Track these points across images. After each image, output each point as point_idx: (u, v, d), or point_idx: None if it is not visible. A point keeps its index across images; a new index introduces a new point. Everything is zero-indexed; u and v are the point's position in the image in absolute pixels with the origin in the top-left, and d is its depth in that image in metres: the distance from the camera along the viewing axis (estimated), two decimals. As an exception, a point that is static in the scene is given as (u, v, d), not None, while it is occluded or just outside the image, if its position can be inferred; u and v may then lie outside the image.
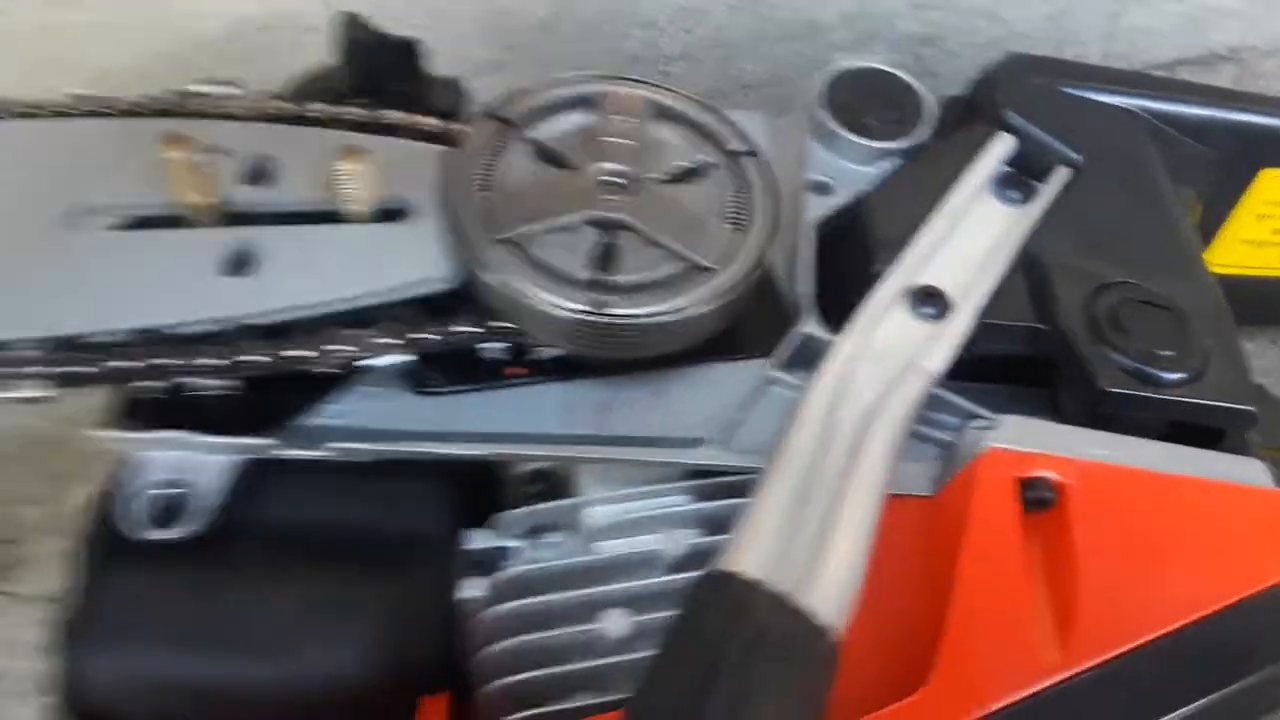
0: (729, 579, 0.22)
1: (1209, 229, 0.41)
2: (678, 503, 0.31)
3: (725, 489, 0.31)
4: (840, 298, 0.32)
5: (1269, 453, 0.34)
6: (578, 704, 0.28)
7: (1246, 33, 0.53)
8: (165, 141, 0.29)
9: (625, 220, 0.30)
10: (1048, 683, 0.26)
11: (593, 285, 0.29)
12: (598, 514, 0.31)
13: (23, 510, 0.52)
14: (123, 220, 0.31)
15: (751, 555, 0.23)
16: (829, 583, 0.23)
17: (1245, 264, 0.43)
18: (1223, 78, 0.54)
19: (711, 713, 0.20)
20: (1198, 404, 0.30)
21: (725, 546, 0.24)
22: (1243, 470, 0.30)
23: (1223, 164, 0.39)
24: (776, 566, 0.23)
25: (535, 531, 0.32)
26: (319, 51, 0.37)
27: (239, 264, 0.30)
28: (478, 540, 0.31)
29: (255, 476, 0.30)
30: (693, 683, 0.21)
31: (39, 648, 0.47)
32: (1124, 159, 0.36)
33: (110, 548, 0.29)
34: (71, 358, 0.29)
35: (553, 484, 0.33)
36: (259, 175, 0.32)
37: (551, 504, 0.31)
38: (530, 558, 0.31)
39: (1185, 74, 0.54)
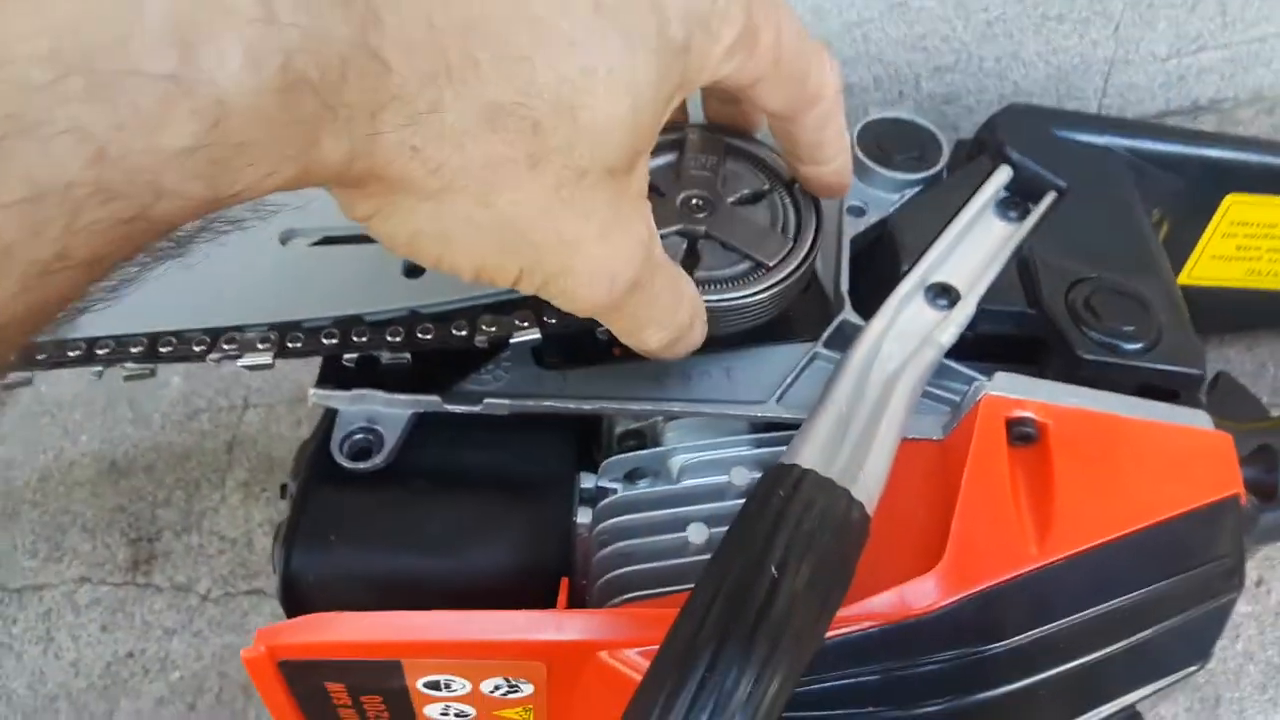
0: (789, 468, 0.31)
1: (1179, 245, 0.49)
2: (742, 447, 0.39)
3: (779, 438, 0.39)
4: (871, 294, 0.41)
5: (1236, 426, 0.42)
6: (666, 591, 0.36)
7: (1223, 86, 0.61)
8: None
9: (705, 231, 0.39)
10: (1028, 569, 0.33)
11: None
12: (680, 459, 0.40)
13: (159, 511, 0.60)
14: (323, 238, 0.42)
15: (805, 454, 0.32)
16: (862, 476, 0.32)
17: (1218, 277, 0.51)
18: (1205, 125, 0.63)
19: (774, 556, 0.29)
20: (1155, 368, 0.38)
21: (785, 453, 0.33)
22: (1189, 417, 0.38)
23: (1192, 191, 0.48)
24: (824, 463, 0.32)
25: (631, 476, 0.41)
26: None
27: (414, 269, 0.40)
28: (588, 481, 0.40)
29: (426, 425, 0.39)
30: (760, 536, 0.29)
31: (169, 631, 0.55)
32: (1101, 186, 0.44)
33: (320, 474, 0.38)
34: (288, 337, 0.38)
35: (645, 440, 0.42)
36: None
37: (645, 452, 0.40)
38: (630, 494, 0.40)
39: (1172, 122, 0.62)
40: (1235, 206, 0.48)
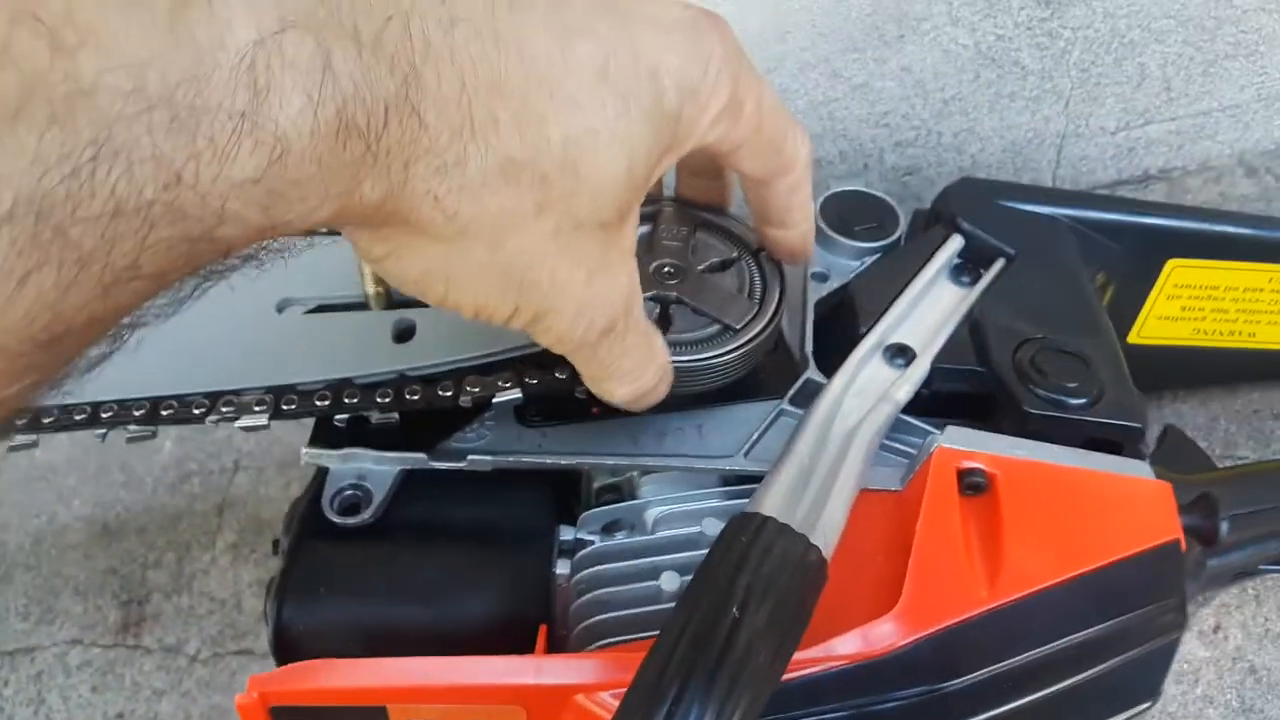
0: (751, 516, 0.33)
1: (1127, 306, 0.52)
2: (713, 499, 0.41)
3: (747, 490, 0.41)
4: (833, 355, 0.43)
5: (1179, 477, 0.44)
6: (640, 637, 0.38)
7: (1172, 157, 0.65)
8: (359, 247, 0.42)
9: (677, 296, 0.41)
10: (980, 611, 0.35)
11: None
12: (654, 511, 0.41)
13: (150, 573, 0.61)
14: (316, 307, 0.44)
15: (767, 503, 0.34)
16: (821, 523, 0.34)
17: (1166, 336, 0.54)
18: (1156, 194, 0.66)
19: (734, 598, 0.31)
20: (1098, 422, 0.41)
21: (748, 502, 0.35)
22: (1131, 468, 0.40)
23: (1134, 256, 0.51)
24: (785, 511, 0.34)
25: (608, 528, 0.42)
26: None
27: (403, 334, 0.42)
28: (566, 533, 0.41)
29: (413, 481, 0.41)
30: (723, 579, 0.31)
31: (158, 692, 0.56)
32: (1046, 253, 0.47)
33: (311, 529, 0.40)
34: (283, 399, 0.41)
35: (622, 494, 0.44)
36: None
37: (621, 505, 0.43)
38: (606, 544, 0.42)
39: (1123, 192, 0.66)
40: (1177, 270, 0.51)
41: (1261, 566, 0.45)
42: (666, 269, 0.42)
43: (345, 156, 0.24)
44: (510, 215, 0.28)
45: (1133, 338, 0.54)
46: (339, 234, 0.46)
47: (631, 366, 0.35)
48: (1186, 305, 0.53)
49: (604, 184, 0.29)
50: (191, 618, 0.60)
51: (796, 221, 0.40)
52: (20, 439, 0.40)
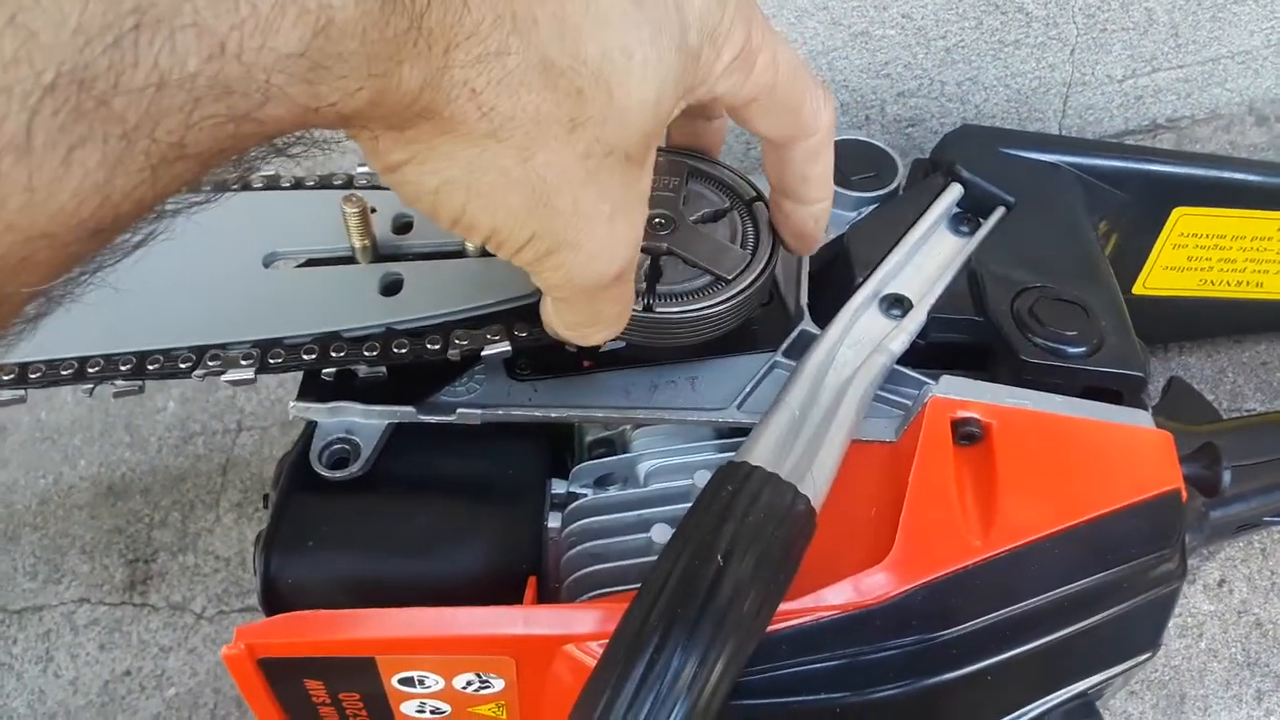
0: (738, 465, 0.33)
1: (1131, 256, 0.51)
2: (705, 452, 0.41)
3: (740, 443, 0.41)
4: (830, 307, 0.43)
5: (1182, 427, 0.43)
6: (630, 588, 0.38)
7: (1180, 105, 0.64)
8: (344, 200, 0.41)
9: (668, 248, 0.41)
10: (972, 561, 0.35)
11: (646, 293, 0.40)
12: (646, 464, 0.41)
13: (155, 533, 0.61)
14: (305, 261, 0.44)
15: (755, 453, 0.34)
16: (810, 473, 0.34)
17: (1172, 287, 0.53)
18: (1164, 144, 0.65)
19: (718, 547, 0.31)
20: (1097, 370, 0.40)
21: (737, 451, 0.34)
22: (1129, 417, 0.39)
23: (1140, 205, 0.50)
24: (773, 461, 0.33)
25: (601, 481, 0.42)
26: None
27: (390, 288, 0.42)
28: (558, 487, 0.41)
29: (403, 435, 0.41)
30: (708, 528, 0.31)
31: (165, 649, 0.57)
32: (1046, 201, 0.46)
33: (300, 483, 0.40)
34: (270, 353, 0.40)
35: (613, 448, 0.44)
36: (402, 227, 0.44)
37: (612, 458, 0.42)
38: (598, 497, 0.41)
39: (1131, 141, 0.64)
40: (1184, 219, 0.50)
41: (1265, 518, 0.45)
42: (657, 220, 0.42)
43: (388, 31, 0.23)
44: (544, 123, 0.27)
45: (1138, 288, 0.53)
46: (327, 185, 0.46)
47: (618, 313, 0.34)
48: (1193, 255, 0.52)
49: (633, 110, 0.28)
50: (197, 576, 0.60)
51: (812, 196, 0.38)
52: (7, 394, 0.39)
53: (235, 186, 0.45)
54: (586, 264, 0.30)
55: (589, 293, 0.32)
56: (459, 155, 0.27)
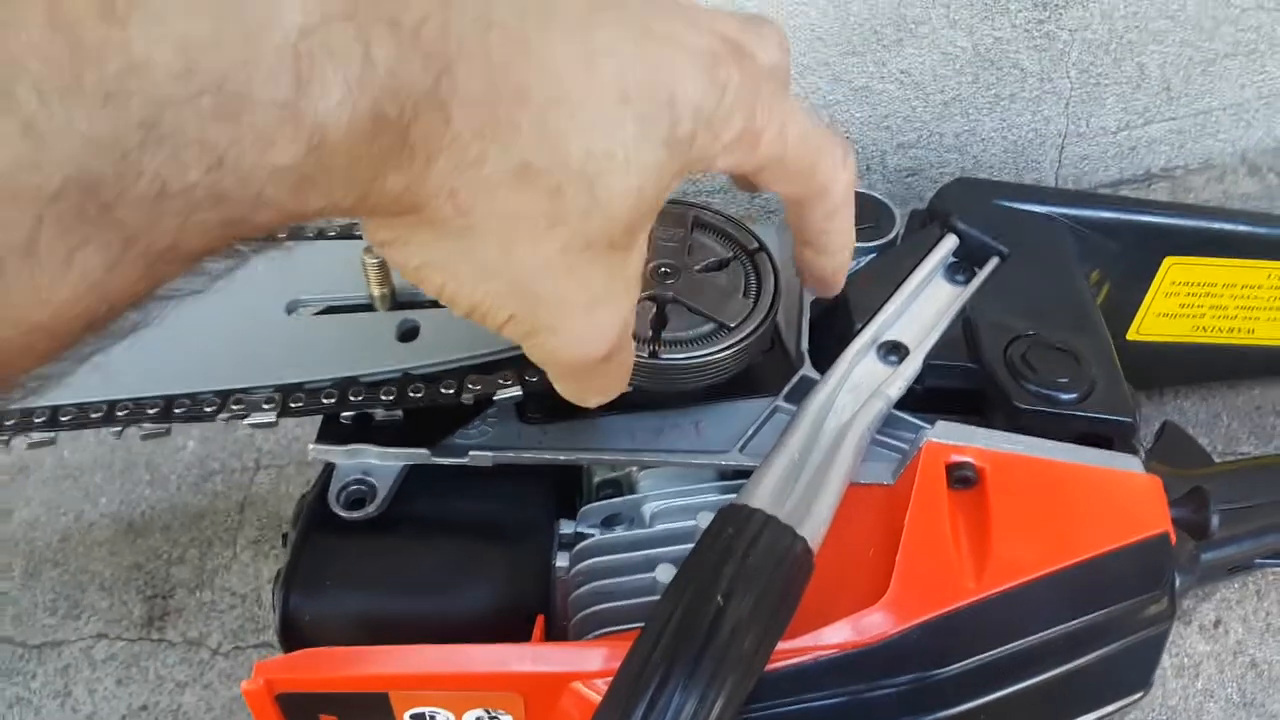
0: (739, 508, 0.34)
1: (1125, 303, 0.53)
2: (709, 494, 0.42)
3: (741, 485, 0.42)
4: (829, 353, 0.44)
5: (1173, 472, 0.45)
6: (635, 627, 0.39)
7: (1174, 156, 0.65)
8: (365, 250, 0.43)
9: (673, 296, 0.42)
10: (967, 601, 0.36)
11: (651, 340, 0.41)
12: (652, 505, 0.43)
13: (173, 569, 0.62)
14: (326, 308, 0.46)
15: (756, 496, 0.35)
16: (809, 517, 0.35)
17: (1165, 333, 0.54)
18: (1159, 193, 0.66)
19: (719, 587, 0.32)
20: (1087, 416, 0.42)
21: (738, 494, 0.36)
22: (1120, 462, 0.40)
23: (1130, 254, 0.51)
24: (774, 504, 0.35)
25: (608, 522, 0.44)
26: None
27: (407, 335, 0.43)
28: (566, 527, 0.43)
29: (417, 476, 0.42)
30: (709, 569, 0.32)
31: (181, 685, 0.58)
32: (1040, 251, 0.48)
33: (318, 522, 0.41)
34: (291, 397, 0.42)
35: (620, 489, 0.45)
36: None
37: (619, 499, 0.44)
38: (605, 537, 0.43)
39: (1127, 191, 0.66)
40: (1175, 268, 0.52)
41: (1257, 560, 0.46)
42: (663, 269, 0.43)
43: (375, 148, 0.25)
44: (521, 220, 0.28)
45: (1132, 335, 0.54)
46: (348, 235, 0.48)
47: (611, 385, 0.35)
48: (1185, 302, 0.53)
49: (616, 205, 0.29)
50: (214, 612, 0.61)
51: (832, 248, 0.39)
52: (38, 436, 0.41)
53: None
54: (567, 347, 0.32)
55: (574, 372, 0.33)
56: (438, 245, 0.29)
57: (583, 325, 0.31)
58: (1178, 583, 0.41)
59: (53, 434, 0.41)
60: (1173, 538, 0.39)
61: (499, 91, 0.26)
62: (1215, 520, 0.42)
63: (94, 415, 0.40)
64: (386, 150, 0.25)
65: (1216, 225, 0.51)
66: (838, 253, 0.39)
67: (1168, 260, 0.52)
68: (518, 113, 0.27)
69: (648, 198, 0.30)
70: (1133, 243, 0.50)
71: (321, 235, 0.48)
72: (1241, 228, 0.51)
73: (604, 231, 0.29)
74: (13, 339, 0.21)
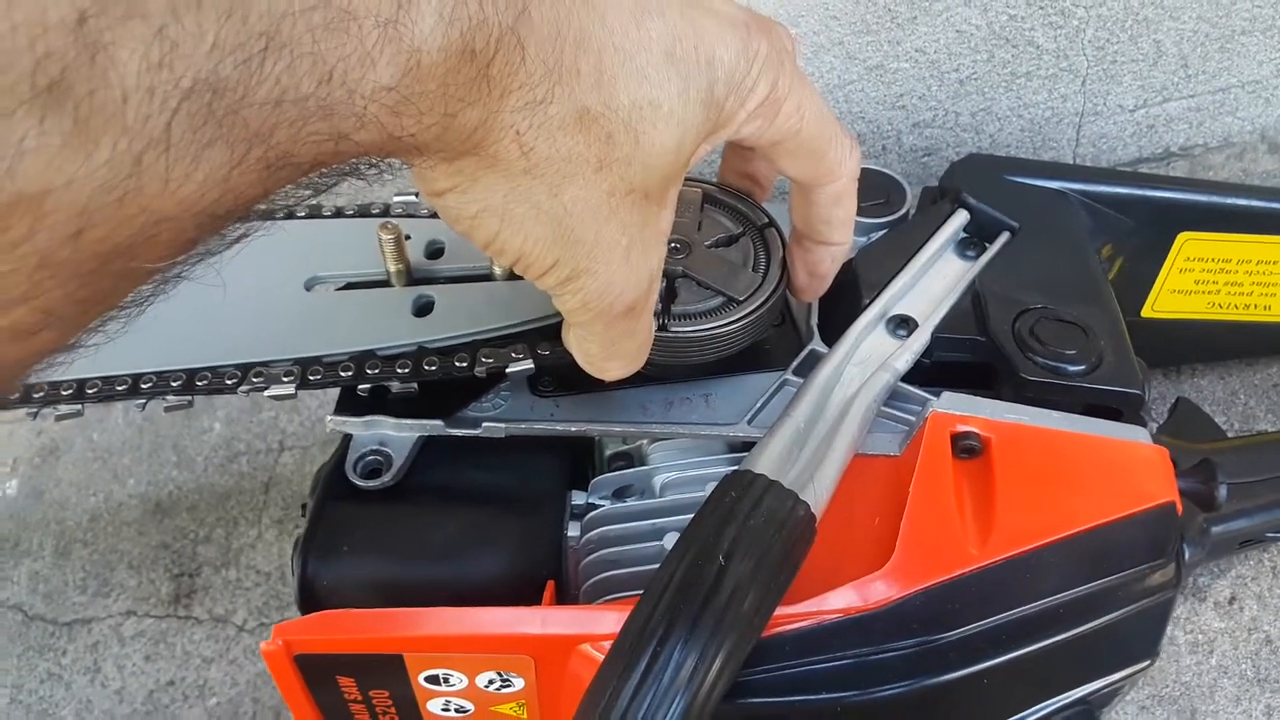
0: (743, 473, 0.35)
1: (1138, 280, 0.53)
2: (718, 465, 0.43)
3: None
4: (839, 328, 0.45)
5: (1184, 445, 0.45)
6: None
7: (1192, 134, 0.65)
8: (380, 227, 0.44)
9: (683, 270, 0.43)
10: (970, 568, 0.37)
11: (662, 313, 0.42)
12: (662, 477, 0.43)
13: (200, 548, 0.64)
14: (344, 284, 0.47)
15: (760, 462, 0.36)
16: (812, 484, 0.36)
17: (1180, 310, 0.54)
18: (1178, 171, 0.66)
19: (720, 548, 0.32)
20: (1094, 388, 0.42)
21: (743, 461, 0.36)
22: (1127, 433, 0.41)
23: (1144, 230, 0.51)
24: (777, 470, 0.35)
25: (619, 493, 0.44)
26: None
27: (422, 310, 0.44)
28: (578, 498, 0.43)
29: (432, 447, 0.43)
30: (711, 531, 0.33)
31: (207, 660, 0.59)
32: (1050, 226, 0.48)
33: (335, 491, 0.42)
34: (310, 370, 0.43)
35: (632, 461, 0.46)
36: (434, 252, 0.47)
37: (630, 471, 0.44)
38: (615, 507, 0.43)
39: (1145, 169, 0.66)
40: (1189, 244, 0.52)
41: (1268, 534, 0.46)
42: (674, 244, 0.44)
43: (460, 77, 0.26)
44: (575, 163, 0.30)
45: (1146, 311, 0.54)
46: (365, 214, 0.49)
47: (634, 348, 0.37)
48: (1200, 279, 0.53)
49: (657, 155, 0.31)
50: (239, 589, 0.62)
51: (834, 238, 0.41)
52: (65, 408, 0.42)
53: (280, 216, 0.48)
54: (603, 290, 0.33)
55: (605, 319, 0.34)
56: (497, 187, 0.30)
57: (619, 269, 0.33)
58: (1186, 554, 0.41)
59: (79, 406, 0.43)
60: (1179, 508, 0.40)
61: (564, 36, 0.28)
62: (1223, 492, 0.42)
63: (119, 388, 0.42)
64: (469, 81, 0.27)
65: (1231, 200, 0.50)
66: (837, 244, 0.41)
67: (1182, 236, 0.51)
68: (580, 57, 0.29)
69: (685, 152, 0.32)
70: (1146, 218, 0.50)
71: (339, 213, 0.49)
72: (1256, 203, 0.50)
73: (644, 180, 0.31)
74: (144, 227, 0.22)
